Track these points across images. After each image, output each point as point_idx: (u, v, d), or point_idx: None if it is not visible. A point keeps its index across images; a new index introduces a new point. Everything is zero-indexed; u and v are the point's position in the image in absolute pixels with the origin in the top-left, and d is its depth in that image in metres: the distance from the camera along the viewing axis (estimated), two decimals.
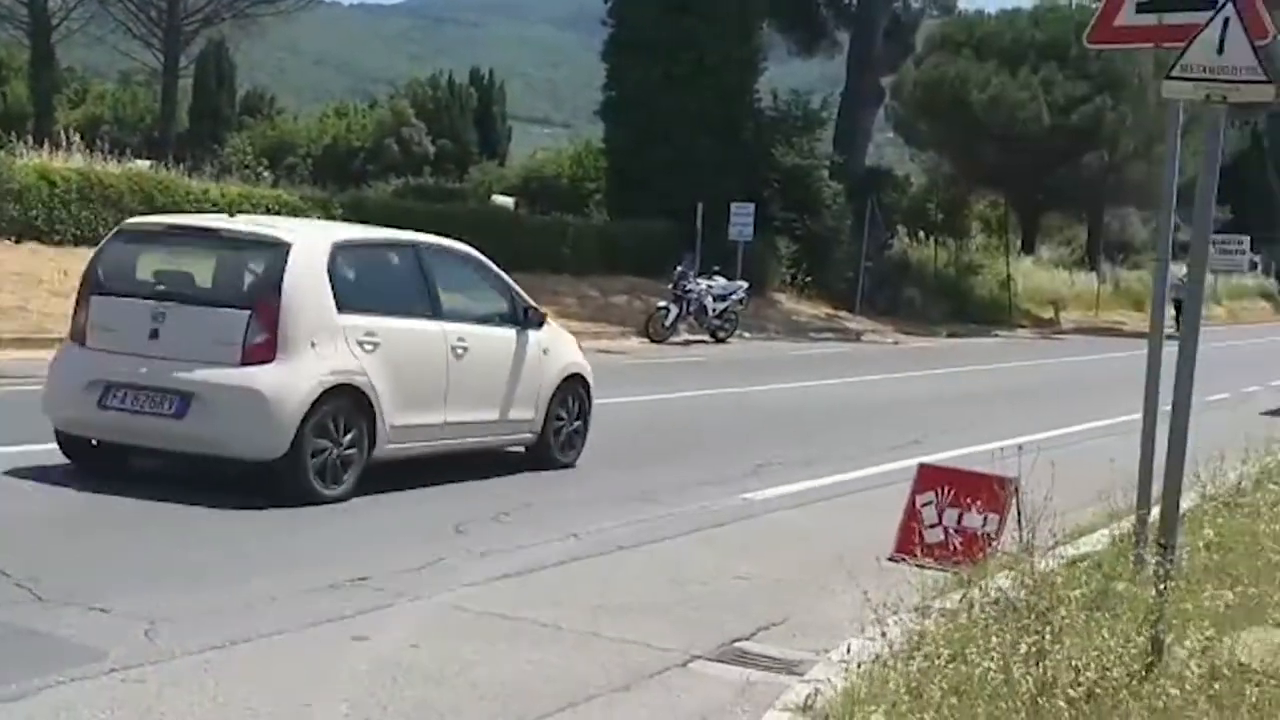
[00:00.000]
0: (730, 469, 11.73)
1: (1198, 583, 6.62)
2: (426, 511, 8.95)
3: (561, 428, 11.14)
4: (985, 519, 8.38)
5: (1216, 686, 4.97)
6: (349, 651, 5.99)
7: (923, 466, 8.94)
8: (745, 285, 28.69)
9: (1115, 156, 46.72)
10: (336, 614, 6.48)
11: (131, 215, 22.46)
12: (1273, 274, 67.10)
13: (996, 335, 38.66)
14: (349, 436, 9.08)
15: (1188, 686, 4.93)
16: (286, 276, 8.92)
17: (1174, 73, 5.58)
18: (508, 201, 41.60)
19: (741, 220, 31.33)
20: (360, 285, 9.50)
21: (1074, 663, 4.81)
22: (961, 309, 40.71)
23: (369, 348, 9.24)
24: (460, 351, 10.03)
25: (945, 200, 46.18)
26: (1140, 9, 7.05)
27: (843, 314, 36.13)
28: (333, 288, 9.16)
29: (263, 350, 8.78)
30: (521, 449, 10.99)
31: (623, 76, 34.31)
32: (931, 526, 8.53)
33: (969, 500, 8.48)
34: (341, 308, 9.16)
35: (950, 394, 20.76)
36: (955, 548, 8.19)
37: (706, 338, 27.09)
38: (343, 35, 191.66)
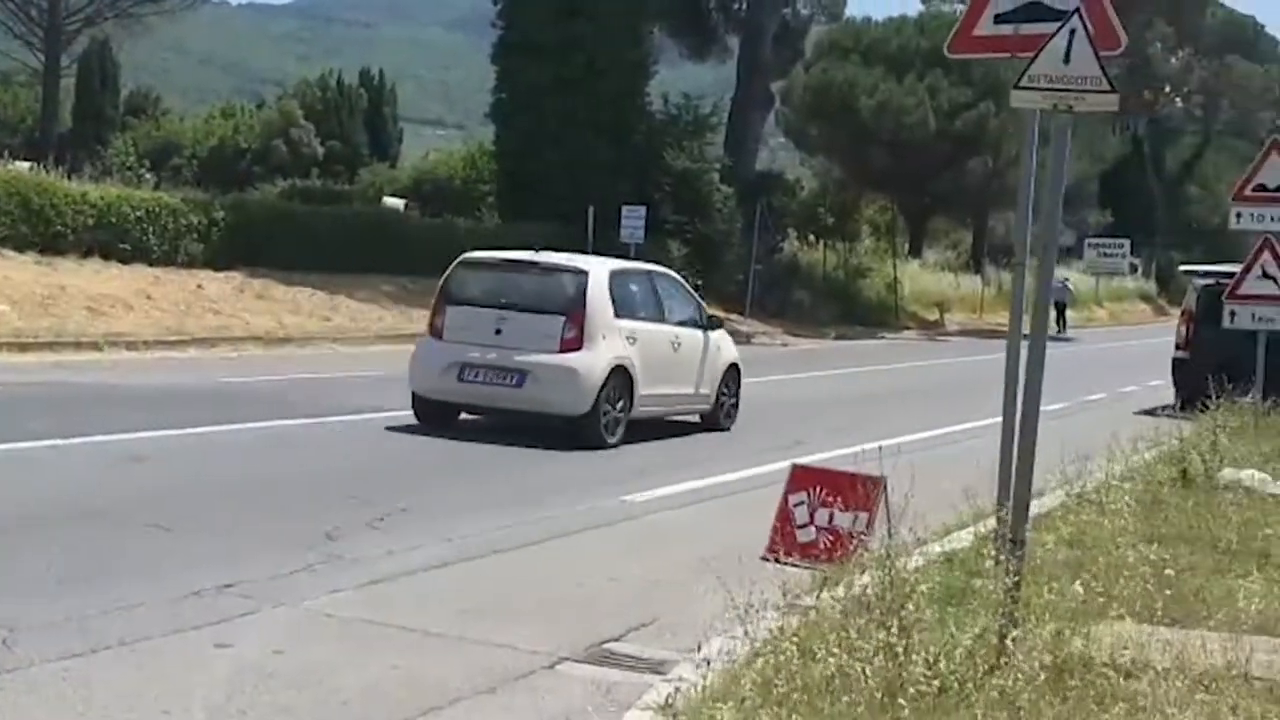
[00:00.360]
0: (612, 471, 11.80)
1: (1053, 577, 6.80)
2: (298, 518, 8.84)
3: (724, 402, 15.36)
4: (855, 518, 8.51)
5: (1061, 679, 5.11)
6: (211, 658, 5.95)
7: (795, 467, 9.05)
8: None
9: (999, 161, 47.55)
10: (201, 621, 6.43)
11: (7, 216, 22.34)
12: (1152, 276, 68.69)
13: (883, 337, 39.18)
14: (620, 403, 13.31)
15: (1033, 679, 5.06)
16: (588, 293, 13.22)
17: (1022, 82, 5.73)
18: (398, 203, 41.33)
19: (633, 223, 31.43)
20: (624, 299, 13.76)
21: (924, 656, 4.92)
22: (850, 311, 41.19)
23: (632, 342, 13.54)
24: (676, 345, 14.44)
25: (836, 204, 46.66)
26: (998, 20, 7.23)
27: (733, 316, 36.28)
28: (611, 301, 13.39)
29: (574, 342, 13.00)
30: (698, 418, 15.08)
31: (512, 79, 34.25)
32: (803, 526, 8.65)
33: (839, 500, 8.61)
34: (616, 314, 13.43)
35: (837, 395, 21.04)
36: (825, 547, 8.31)
37: None
38: (230, 35, 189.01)
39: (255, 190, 43.62)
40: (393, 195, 44.41)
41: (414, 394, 13.52)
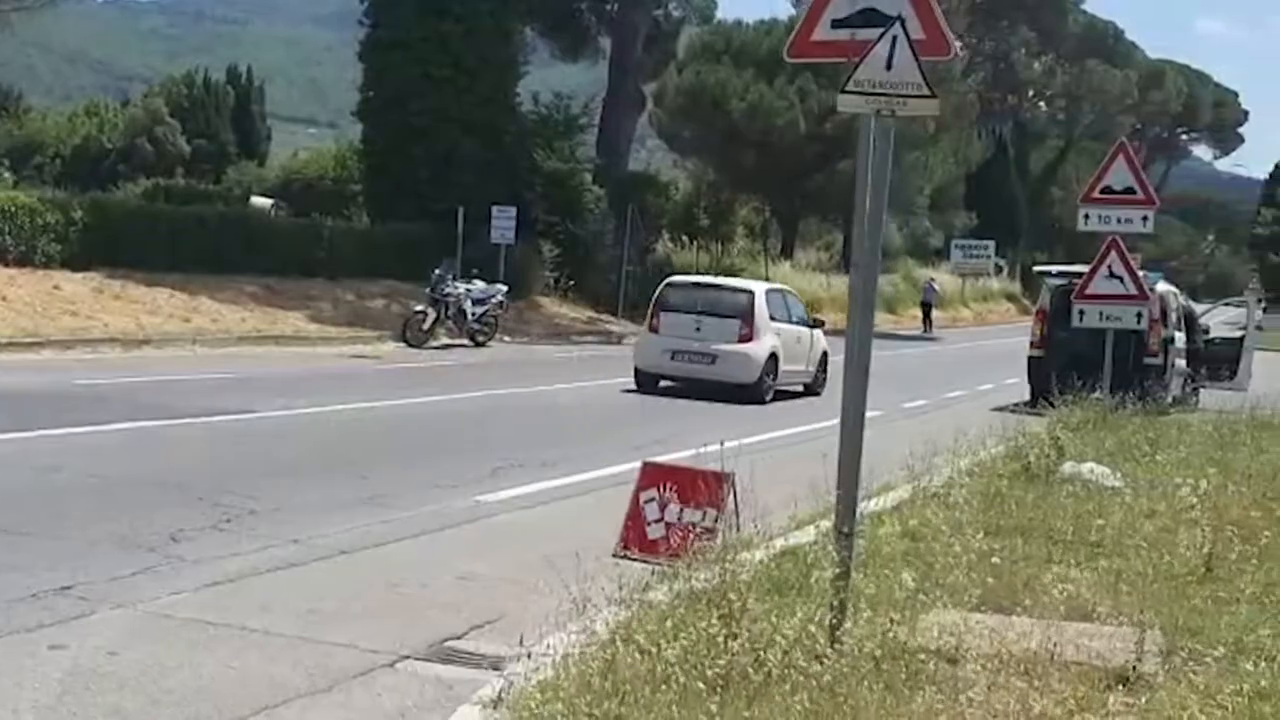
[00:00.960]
0: (467, 472, 11.76)
1: (887, 568, 6.99)
2: (143, 520, 8.65)
3: (819, 377, 21.86)
4: (704, 514, 8.63)
5: (881, 665, 5.27)
6: (44, 660, 5.87)
7: (646, 464, 9.14)
8: (505, 289, 28.72)
9: None
10: (35, 623, 6.35)
11: None
12: (1017, 277, 70.15)
13: None
14: (770, 376, 19.98)
15: (859, 666, 5.21)
16: (755, 304, 20.07)
17: (848, 87, 5.89)
18: (266, 203, 40.80)
19: (503, 224, 31.37)
20: (772, 308, 20.51)
21: (750, 646, 5.04)
22: None
23: (777, 335, 20.24)
24: (798, 339, 21.19)
25: (711, 205, 46.97)
26: (835, 25, 7.36)
27: (605, 317, 36.47)
28: (767, 309, 20.21)
29: (747, 336, 19.77)
30: (801, 387, 21.41)
31: (380, 77, 34.01)
32: (653, 523, 8.75)
33: (689, 496, 8.73)
34: (770, 318, 20.15)
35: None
36: (674, 542, 8.40)
37: (466, 341, 27.06)
38: (96, 32, 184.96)
39: (118, 189, 42.75)
40: (262, 195, 43.82)
41: (637, 369, 20.30)
